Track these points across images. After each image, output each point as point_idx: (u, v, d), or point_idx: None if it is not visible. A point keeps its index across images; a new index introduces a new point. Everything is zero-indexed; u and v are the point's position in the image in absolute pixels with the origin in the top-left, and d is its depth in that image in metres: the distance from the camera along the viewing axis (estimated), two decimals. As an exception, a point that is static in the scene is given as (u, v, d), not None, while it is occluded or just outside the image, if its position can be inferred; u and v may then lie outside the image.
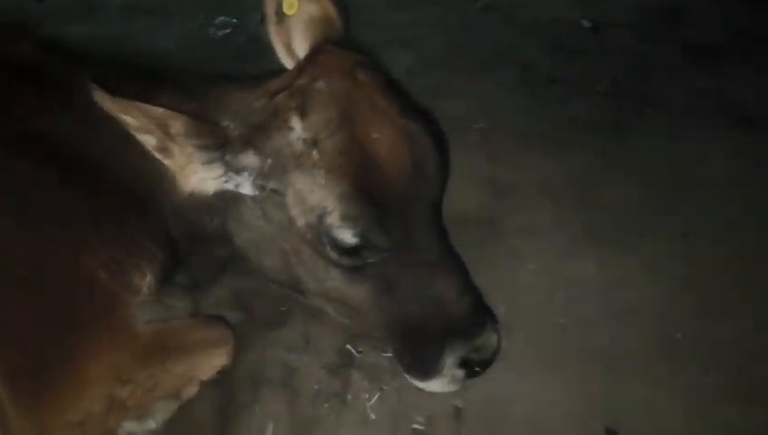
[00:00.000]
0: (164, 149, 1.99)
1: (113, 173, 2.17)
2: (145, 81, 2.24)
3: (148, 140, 1.96)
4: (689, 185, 3.31)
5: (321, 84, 2.08)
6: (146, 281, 2.34)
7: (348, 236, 2.02)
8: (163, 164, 2.07)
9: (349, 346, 2.76)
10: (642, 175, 3.37)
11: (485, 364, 2.25)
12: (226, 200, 2.17)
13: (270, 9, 2.29)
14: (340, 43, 2.29)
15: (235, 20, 4.31)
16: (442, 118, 3.60)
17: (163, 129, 1.92)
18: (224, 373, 2.59)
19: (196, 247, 2.46)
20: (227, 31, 4.27)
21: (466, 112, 3.69)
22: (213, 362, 2.53)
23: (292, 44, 2.36)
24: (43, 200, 2.16)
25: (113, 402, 2.19)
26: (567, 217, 3.19)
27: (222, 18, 4.31)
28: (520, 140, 3.55)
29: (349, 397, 2.63)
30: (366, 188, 1.99)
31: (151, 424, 2.44)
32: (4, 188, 2.12)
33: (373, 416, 2.57)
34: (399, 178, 2.02)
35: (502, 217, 3.21)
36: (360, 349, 2.74)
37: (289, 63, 2.37)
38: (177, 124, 1.92)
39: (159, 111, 1.91)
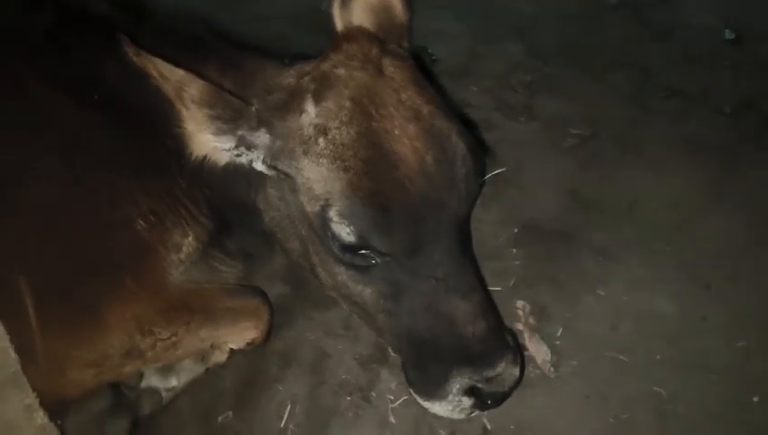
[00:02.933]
0: (179, 112, 1.92)
1: (159, 131, 2.16)
2: (197, 47, 2.20)
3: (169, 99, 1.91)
4: (805, 230, 2.90)
5: (340, 71, 1.95)
6: (187, 241, 2.35)
7: (345, 234, 1.89)
8: None
9: (386, 342, 2.64)
10: (752, 211, 2.98)
11: (497, 399, 2.06)
12: (254, 177, 2.11)
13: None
14: (399, 30, 2.15)
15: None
16: (538, 116, 3.42)
17: (177, 91, 1.86)
18: (254, 346, 2.56)
19: (242, 219, 2.41)
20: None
21: (567, 114, 3.43)
22: (242, 332, 2.50)
23: None
24: (93, 142, 2.21)
25: (132, 350, 2.22)
26: (653, 246, 2.88)
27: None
28: (619, 153, 3.25)
29: (373, 394, 2.52)
30: (372, 187, 1.84)
31: (173, 382, 2.47)
32: (57, 124, 2.18)
33: (393, 419, 2.45)
34: (416, 181, 1.85)
35: (579, 232, 2.95)
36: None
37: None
38: (193, 90, 1.85)
39: (179, 73, 1.85)
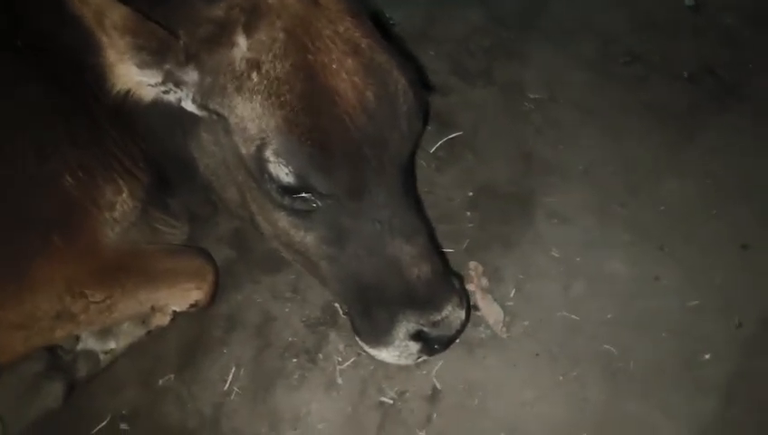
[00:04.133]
0: (99, 41, 1.76)
1: (84, 75, 2.05)
2: None
3: (89, 27, 1.73)
4: (759, 193, 2.88)
5: (273, 1, 1.83)
6: (121, 198, 2.24)
7: (282, 174, 1.81)
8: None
9: (337, 304, 2.58)
10: (706, 174, 2.96)
11: (444, 342, 2.02)
12: (187, 121, 2.02)
13: None
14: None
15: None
16: (497, 81, 3.37)
17: (97, 17, 1.71)
18: (199, 309, 2.49)
19: (180, 172, 2.32)
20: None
21: (525, 79, 3.38)
22: (185, 294, 2.42)
23: None
24: (14, 90, 2.08)
25: (62, 313, 2.13)
26: (607, 208, 2.85)
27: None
28: (576, 118, 3.20)
29: (320, 356, 2.47)
30: (310, 124, 1.76)
31: (111, 345, 2.38)
32: None
33: (340, 380, 2.40)
34: (356, 118, 1.78)
35: (533, 195, 2.91)
36: (346, 310, 2.55)
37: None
38: (115, 15, 1.71)
39: None
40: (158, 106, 1.93)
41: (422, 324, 1.97)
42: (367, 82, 1.80)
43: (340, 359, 2.45)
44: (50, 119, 2.09)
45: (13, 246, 2.04)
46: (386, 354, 2.07)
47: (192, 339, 2.51)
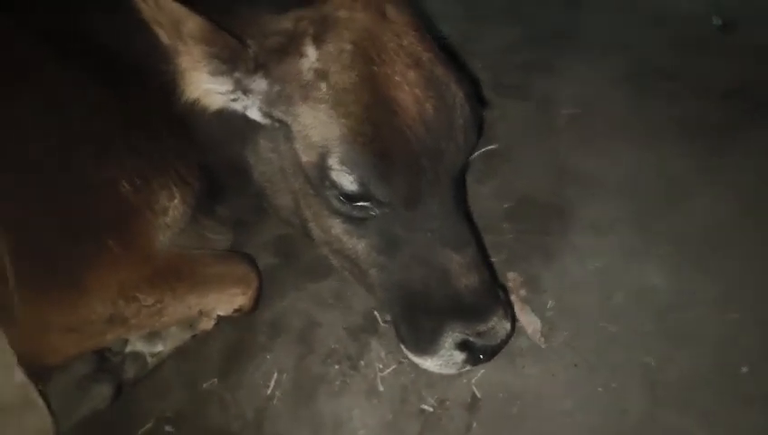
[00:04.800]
0: (173, 49, 1.85)
1: (147, 84, 2.12)
2: None
3: (162, 36, 1.82)
4: (795, 209, 2.89)
5: (342, 13, 1.91)
6: (174, 204, 2.31)
7: (346, 182, 1.87)
8: None
9: (376, 313, 2.62)
10: (742, 190, 2.96)
11: (489, 352, 2.05)
12: (246, 129, 2.07)
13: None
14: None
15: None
16: (532, 95, 3.42)
17: (174, 25, 1.79)
18: (242, 314, 2.54)
19: (233, 179, 2.38)
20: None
21: (560, 95, 3.43)
22: (230, 299, 2.48)
23: None
24: (77, 98, 2.17)
25: (115, 317, 2.19)
26: (644, 220, 2.87)
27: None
28: (610, 132, 3.24)
29: (362, 363, 2.50)
30: (373, 133, 1.82)
31: (159, 347, 2.44)
32: (39, 79, 2.15)
33: (382, 388, 2.43)
34: (416, 129, 1.83)
35: (572, 207, 2.94)
36: (387, 318, 2.59)
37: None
38: (191, 24, 1.79)
39: (175, 5, 1.78)
40: (221, 114, 2.00)
41: (468, 334, 2.00)
42: (427, 94, 1.86)
43: (381, 366, 2.48)
44: (108, 126, 2.16)
45: (69, 252, 2.11)
46: (430, 363, 2.10)
47: (235, 344, 2.57)
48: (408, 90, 1.85)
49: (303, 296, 2.71)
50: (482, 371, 2.43)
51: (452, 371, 2.11)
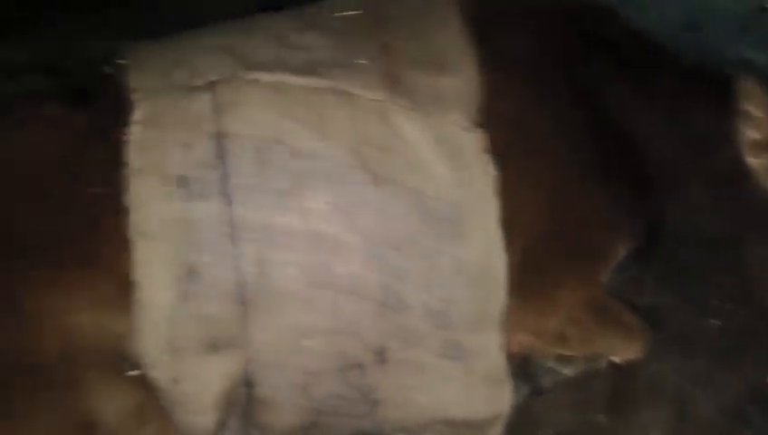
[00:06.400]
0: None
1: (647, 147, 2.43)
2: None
3: (750, 134, 2.03)
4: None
5: None
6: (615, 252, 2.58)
7: None
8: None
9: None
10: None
11: None
12: None
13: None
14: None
15: None
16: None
17: None
18: (627, 364, 2.78)
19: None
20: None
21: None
22: (626, 349, 2.70)
23: None
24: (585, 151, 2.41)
25: (557, 333, 2.51)
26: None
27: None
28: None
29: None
30: None
31: (566, 372, 2.72)
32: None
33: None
34: None
35: None
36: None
37: None
38: None
39: None
40: None
41: None
42: None
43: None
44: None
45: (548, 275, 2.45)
46: None
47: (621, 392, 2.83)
48: None
49: (671, 369, 2.91)
50: None
51: None
